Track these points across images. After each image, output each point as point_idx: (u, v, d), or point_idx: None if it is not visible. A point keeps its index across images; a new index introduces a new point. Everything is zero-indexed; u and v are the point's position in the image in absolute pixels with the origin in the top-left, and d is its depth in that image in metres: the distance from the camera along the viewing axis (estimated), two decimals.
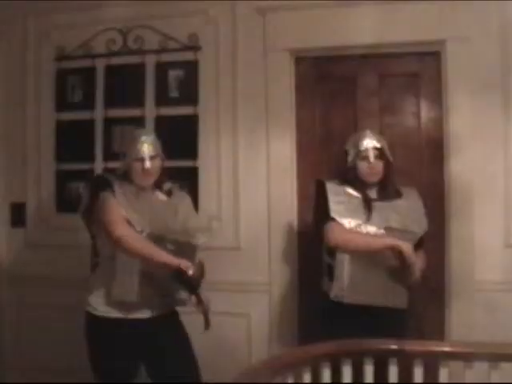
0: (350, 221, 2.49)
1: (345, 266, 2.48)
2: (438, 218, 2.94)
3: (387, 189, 2.58)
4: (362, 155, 2.56)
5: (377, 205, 2.54)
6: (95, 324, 2.42)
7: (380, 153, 2.56)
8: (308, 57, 3.18)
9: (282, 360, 1.99)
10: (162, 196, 2.55)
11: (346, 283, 2.48)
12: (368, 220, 2.50)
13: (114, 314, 2.38)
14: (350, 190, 2.58)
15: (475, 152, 2.92)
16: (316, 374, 2.06)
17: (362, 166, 2.56)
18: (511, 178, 2.91)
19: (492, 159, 2.91)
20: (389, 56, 3.12)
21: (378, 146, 2.56)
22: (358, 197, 2.56)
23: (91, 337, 2.43)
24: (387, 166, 2.58)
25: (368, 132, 2.63)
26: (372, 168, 2.55)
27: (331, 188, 2.58)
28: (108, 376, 2.38)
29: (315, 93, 3.21)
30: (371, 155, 2.54)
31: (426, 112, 3.10)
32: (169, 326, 2.49)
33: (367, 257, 2.48)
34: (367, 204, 2.53)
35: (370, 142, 2.57)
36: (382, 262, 2.47)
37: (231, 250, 3.17)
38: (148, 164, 2.42)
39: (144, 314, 2.42)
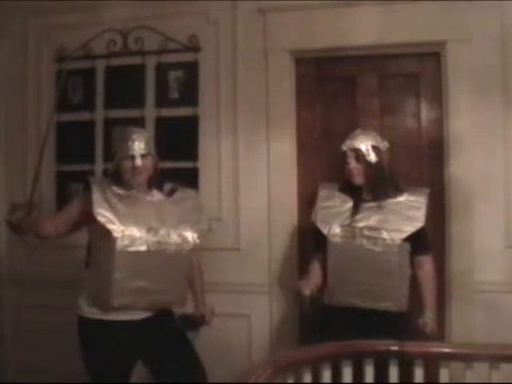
0: (329, 226, 2.51)
1: (329, 267, 2.49)
2: (437, 219, 2.95)
3: (376, 190, 2.53)
4: (343, 157, 2.56)
5: (365, 206, 2.53)
6: (83, 325, 2.42)
7: (357, 155, 2.52)
8: (308, 57, 3.19)
9: (283, 360, 1.98)
10: (158, 196, 2.48)
11: (329, 284, 2.49)
12: (352, 222, 2.49)
13: (101, 315, 2.37)
14: (341, 193, 2.59)
15: (475, 153, 2.92)
16: (316, 375, 2.05)
17: (345, 168, 2.56)
18: (511, 178, 2.91)
19: (492, 160, 2.92)
20: (389, 57, 3.12)
21: (356, 147, 2.53)
22: (349, 199, 2.57)
23: (81, 338, 2.42)
24: (369, 168, 2.52)
25: (355, 133, 2.60)
26: (351, 170, 2.53)
27: (322, 194, 2.62)
28: (99, 378, 2.38)
29: (315, 93, 3.21)
30: (348, 157, 2.53)
31: (426, 113, 3.10)
32: (164, 326, 2.46)
33: (351, 258, 2.48)
34: (354, 206, 2.53)
35: (349, 144, 2.55)
36: (371, 263, 2.46)
37: (231, 250, 3.17)
38: (138, 162, 2.35)
39: (134, 316, 2.39)
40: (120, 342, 2.36)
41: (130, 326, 2.37)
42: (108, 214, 2.33)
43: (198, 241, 2.46)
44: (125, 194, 2.41)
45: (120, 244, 2.31)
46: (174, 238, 2.40)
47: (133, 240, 2.33)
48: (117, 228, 2.32)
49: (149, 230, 2.36)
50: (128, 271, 2.32)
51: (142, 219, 2.37)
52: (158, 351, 2.44)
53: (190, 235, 2.44)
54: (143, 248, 2.34)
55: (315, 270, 2.58)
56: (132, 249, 2.33)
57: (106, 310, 2.35)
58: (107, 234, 2.32)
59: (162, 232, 2.38)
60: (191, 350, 2.50)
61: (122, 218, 2.34)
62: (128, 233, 2.33)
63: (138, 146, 2.36)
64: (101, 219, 2.32)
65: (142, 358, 2.47)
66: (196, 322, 2.56)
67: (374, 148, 2.54)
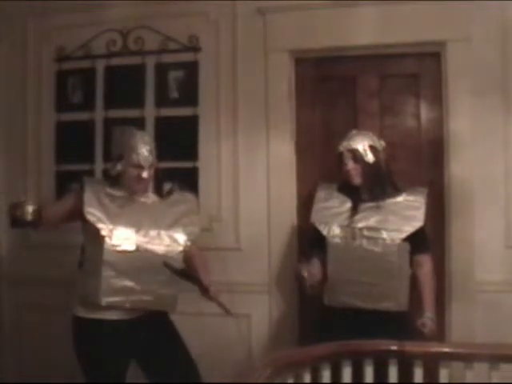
0: (329, 227, 2.51)
1: (328, 268, 2.49)
2: (438, 219, 2.95)
3: (374, 190, 2.53)
4: (339, 158, 2.55)
5: (364, 206, 2.52)
6: (77, 324, 2.42)
7: (354, 155, 2.52)
8: (308, 57, 3.19)
9: (282, 360, 1.98)
10: (153, 198, 2.50)
11: (329, 285, 2.49)
12: (351, 223, 2.49)
13: (93, 314, 2.37)
14: (340, 194, 2.59)
15: (475, 153, 2.92)
16: (316, 375, 2.05)
17: (342, 168, 2.55)
18: (511, 178, 2.91)
19: (492, 160, 2.91)
20: (389, 57, 3.12)
21: (354, 148, 2.52)
22: (347, 199, 2.57)
23: (75, 337, 2.43)
24: (367, 168, 2.52)
25: (351, 133, 2.60)
26: (349, 171, 2.53)
27: (321, 194, 2.62)
28: (93, 377, 2.38)
29: (315, 93, 3.21)
30: (345, 158, 2.53)
31: (426, 113, 3.10)
32: (156, 327, 2.46)
33: (351, 259, 2.48)
34: (353, 206, 2.53)
35: (346, 145, 2.54)
36: (371, 263, 2.46)
37: (231, 250, 3.17)
38: (145, 174, 2.39)
39: (126, 315, 2.39)
40: (113, 342, 2.36)
41: (122, 326, 2.38)
42: (98, 214, 2.36)
43: (188, 243, 2.48)
44: (118, 194, 2.43)
45: (108, 243, 2.33)
46: (165, 239, 2.42)
47: (121, 239, 2.35)
48: (105, 227, 2.34)
49: (138, 230, 2.38)
50: (116, 270, 2.34)
51: (132, 220, 2.39)
52: (151, 351, 2.45)
53: (181, 237, 2.46)
54: (132, 248, 2.36)
55: (315, 265, 2.56)
56: (120, 248, 2.34)
57: (96, 308, 2.35)
58: (97, 233, 2.34)
59: (152, 233, 2.40)
60: (184, 349, 2.50)
61: (112, 218, 2.37)
62: (117, 232, 2.35)
63: (147, 157, 2.39)
64: (90, 218, 2.35)
65: (135, 357, 2.47)
66: (198, 282, 2.42)
67: (371, 148, 2.54)
